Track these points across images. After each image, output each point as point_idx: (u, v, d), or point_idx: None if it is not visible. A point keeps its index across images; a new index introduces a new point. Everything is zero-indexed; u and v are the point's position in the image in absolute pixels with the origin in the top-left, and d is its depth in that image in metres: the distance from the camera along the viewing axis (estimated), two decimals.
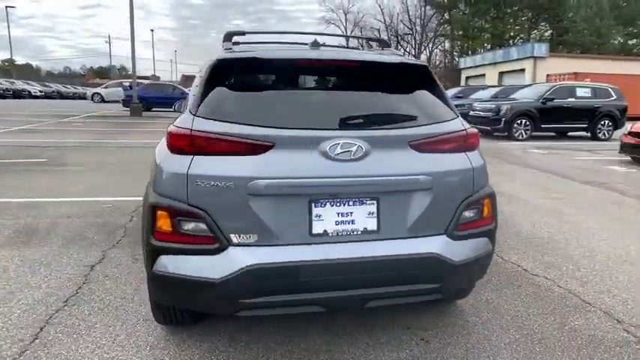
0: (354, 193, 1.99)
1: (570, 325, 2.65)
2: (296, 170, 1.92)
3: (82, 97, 39.54)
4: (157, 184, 2.01)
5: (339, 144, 1.95)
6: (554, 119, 13.15)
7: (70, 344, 2.36)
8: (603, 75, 21.41)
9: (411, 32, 54.40)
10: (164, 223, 1.94)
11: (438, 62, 54.95)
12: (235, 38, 2.63)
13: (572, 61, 28.96)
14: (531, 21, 49.69)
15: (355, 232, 2.01)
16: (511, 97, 14.50)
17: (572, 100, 13.26)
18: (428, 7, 52.91)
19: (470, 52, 48.61)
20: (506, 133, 12.93)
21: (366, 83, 2.27)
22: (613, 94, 13.61)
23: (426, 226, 2.09)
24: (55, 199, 5.25)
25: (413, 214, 2.07)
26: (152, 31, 60.06)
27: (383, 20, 55.34)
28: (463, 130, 2.23)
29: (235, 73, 2.17)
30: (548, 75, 26.49)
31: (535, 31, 49.66)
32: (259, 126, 1.94)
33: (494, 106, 13.48)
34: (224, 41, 2.67)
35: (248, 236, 1.92)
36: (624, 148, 9.04)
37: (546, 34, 48.66)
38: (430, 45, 55.45)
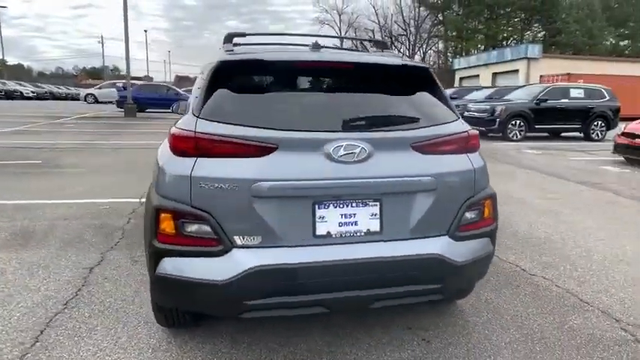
0: (358, 194, 2.01)
1: (569, 324, 2.68)
2: (300, 172, 1.93)
3: (75, 97, 39.24)
4: (159, 186, 2.00)
5: (342, 146, 1.96)
6: (548, 120, 13.26)
7: (72, 347, 2.35)
8: (596, 76, 21.62)
9: (405, 33, 54.63)
10: (167, 225, 1.93)
11: (432, 63, 55.14)
12: (235, 40, 2.64)
13: (565, 62, 29.21)
14: (524, 22, 50.08)
15: (358, 234, 2.02)
16: (505, 98, 14.59)
17: (566, 101, 13.38)
18: (422, 8, 53.16)
19: (464, 53, 48.89)
20: (500, 134, 13.02)
21: (369, 85, 2.28)
22: (606, 94, 13.75)
23: (428, 228, 2.11)
24: (51, 201, 5.21)
25: (415, 216, 2.08)
26: (146, 31, 60.00)
27: (377, 21, 55.55)
28: (465, 131, 2.25)
29: (238, 75, 2.17)
30: (541, 76, 26.69)
31: (528, 33, 50.06)
32: (263, 128, 1.94)
33: (488, 107, 13.57)
34: (224, 42, 2.68)
35: (252, 238, 1.92)
36: (618, 148, 9.13)
37: (539, 35, 49.05)
38: (424, 46, 55.73)
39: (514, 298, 3.02)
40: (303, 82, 2.28)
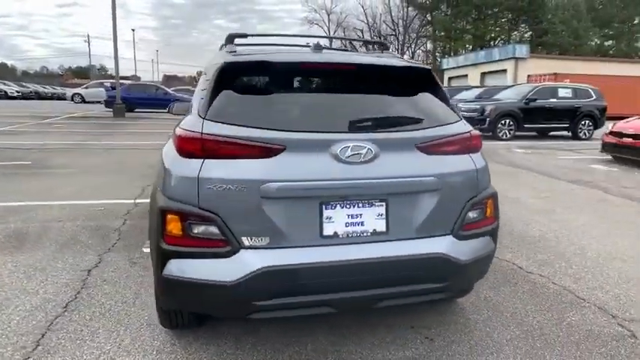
0: (364, 195, 2.02)
1: (567, 320, 2.74)
2: (307, 173, 1.94)
3: (62, 97, 38.64)
4: (166, 188, 2.00)
5: (349, 147, 1.98)
6: (536, 119, 13.45)
7: (74, 350, 2.33)
8: (582, 75, 21.97)
9: (393, 33, 54.87)
10: (174, 226, 1.93)
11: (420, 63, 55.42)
12: (236, 40, 2.64)
13: (552, 62, 29.64)
14: (511, 23, 50.66)
15: (365, 234, 2.04)
16: (495, 97, 14.77)
17: (554, 100, 13.59)
18: (410, 8, 53.42)
19: (452, 53, 49.31)
20: (490, 133, 13.16)
21: (373, 86, 2.30)
22: (593, 94, 13.99)
23: (432, 227, 2.13)
24: (43, 203, 5.14)
25: (420, 215, 2.10)
26: (133, 30, 59.24)
27: (366, 21, 55.70)
28: (467, 132, 2.28)
29: (244, 76, 2.18)
30: (529, 75, 27.05)
31: (515, 33, 50.66)
32: (270, 129, 1.95)
33: (478, 106, 13.71)
34: (226, 43, 2.68)
35: (260, 239, 1.93)
36: (606, 147, 9.30)
37: (526, 35, 49.69)
38: (413, 46, 56.01)
39: (512, 295, 3.06)
40: (309, 83, 2.30)
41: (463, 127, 2.30)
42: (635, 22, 49.74)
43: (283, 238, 1.94)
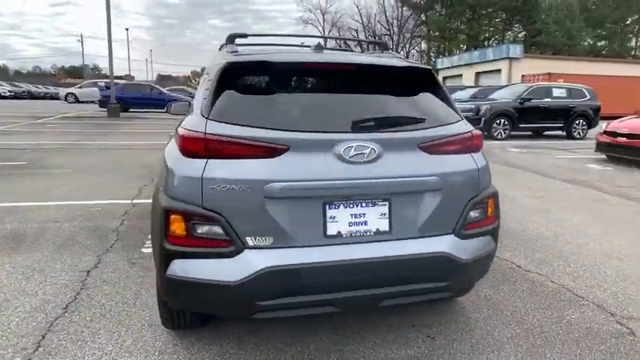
0: (367, 194, 2.03)
1: (567, 318, 2.76)
2: (311, 173, 1.94)
3: (55, 97, 38.32)
4: (169, 188, 1.99)
5: (352, 146, 1.98)
6: (531, 119, 13.54)
7: (76, 351, 2.31)
8: (575, 75, 22.14)
9: (388, 33, 54.90)
10: (177, 227, 1.92)
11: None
12: (237, 40, 2.64)
13: (546, 62, 29.82)
14: (505, 23, 50.93)
15: (368, 233, 2.04)
16: (490, 97, 14.85)
17: (549, 100, 13.69)
18: (405, 8, 53.49)
19: (446, 53, 49.48)
20: (485, 133, 13.20)
21: (375, 86, 2.30)
22: (587, 94, 14.10)
23: (435, 226, 2.14)
24: (40, 203, 5.10)
25: (423, 215, 2.11)
26: (127, 30, 58.89)
27: (360, 21, 55.67)
28: (468, 131, 2.30)
29: (247, 76, 2.17)
30: (523, 75, 27.20)
31: (509, 33, 50.93)
32: (274, 129, 1.95)
33: (473, 106, 13.77)
34: (227, 43, 2.68)
35: (264, 239, 1.93)
36: (600, 146, 9.38)
37: (520, 35, 49.96)
38: (407, 46, 56.08)
39: (512, 294, 3.08)
40: (312, 83, 2.30)
41: (464, 126, 2.31)
42: (628, 22, 50.25)
43: (287, 237, 1.94)
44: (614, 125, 9.21)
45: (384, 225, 2.06)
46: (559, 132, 14.26)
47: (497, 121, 13.19)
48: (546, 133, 14.60)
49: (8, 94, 36.39)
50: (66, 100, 31.67)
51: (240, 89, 2.11)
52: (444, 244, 2.13)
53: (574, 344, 2.48)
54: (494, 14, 50.22)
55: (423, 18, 53.90)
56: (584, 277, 3.40)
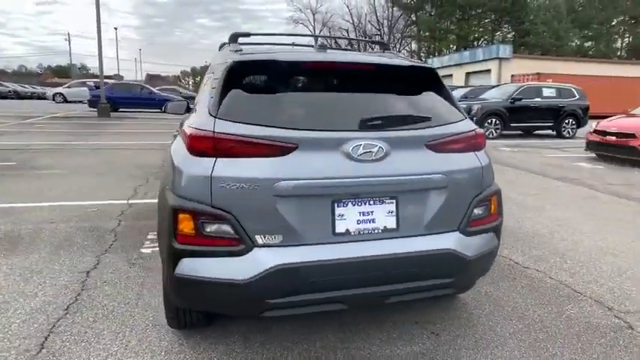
0: (375, 192, 2.05)
1: (567, 313, 2.81)
2: (320, 171, 1.95)
3: (42, 97, 37.74)
4: (176, 187, 1.98)
5: (361, 145, 2.00)
6: (522, 118, 13.70)
7: (80, 352, 2.29)
8: (564, 75, 22.46)
9: (378, 33, 55.12)
10: (186, 225, 1.92)
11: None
12: (239, 39, 2.64)
13: (535, 62, 30.20)
14: (494, 23, 51.47)
15: (376, 231, 2.06)
16: (481, 97, 14.99)
17: (539, 99, 13.86)
18: (395, 9, 53.79)
19: (437, 53, 49.84)
20: None
21: (381, 85, 2.32)
22: (576, 93, 14.31)
23: (441, 223, 2.17)
24: (33, 204, 5.03)
25: (429, 212, 2.14)
26: (116, 29, 58.05)
27: (351, 21, 55.85)
28: (472, 130, 2.32)
29: (254, 75, 2.18)
30: (512, 75, 27.53)
31: (498, 33, 51.49)
32: (283, 128, 1.95)
33: (465, 105, 13.87)
34: (230, 42, 2.68)
35: (273, 237, 1.93)
36: (590, 145, 9.53)
37: (509, 36, 50.53)
38: (398, 46, 56.34)
39: (512, 290, 3.13)
40: (318, 82, 2.30)
41: (468, 125, 2.34)
42: (613, 23, 51.12)
43: (296, 235, 1.95)
44: (604, 124, 9.36)
45: (391, 222, 2.08)
46: (549, 131, 14.45)
47: (489, 121, 13.32)
48: (536, 132, 14.78)
49: None
50: (54, 99, 31.21)
51: (247, 88, 2.11)
52: (449, 241, 2.16)
53: (575, 338, 2.53)
54: (483, 15, 50.73)
55: (414, 18, 54.24)
56: (581, 273, 3.46)
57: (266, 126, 1.96)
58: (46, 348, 2.33)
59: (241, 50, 2.38)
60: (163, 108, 4.27)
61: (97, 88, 21.00)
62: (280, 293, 1.95)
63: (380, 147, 2.02)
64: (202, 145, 1.95)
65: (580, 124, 14.11)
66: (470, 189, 2.25)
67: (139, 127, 14.95)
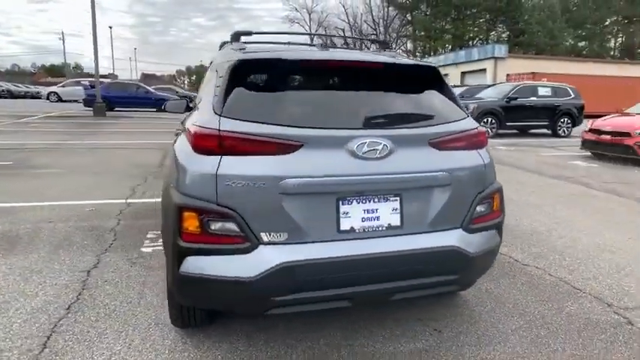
0: (380, 190, 2.05)
1: (567, 310, 2.83)
2: (325, 169, 1.96)
3: (36, 96, 37.50)
4: (181, 185, 1.98)
5: (366, 142, 2.00)
6: (517, 117, 13.77)
7: (84, 352, 2.29)
8: (559, 75, 22.57)
9: (374, 32, 55.16)
10: (191, 223, 1.92)
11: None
12: (242, 38, 2.64)
13: (530, 61, 30.35)
14: (489, 23, 51.66)
15: (380, 228, 2.07)
16: (477, 96, 15.04)
17: (535, 99, 13.94)
18: (390, 8, 53.84)
19: (432, 53, 49.96)
20: None
21: (386, 83, 2.33)
22: (571, 93, 14.40)
23: (444, 221, 2.18)
24: (31, 204, 5.00)
25: (433, 210, 2.15)
26: (111, 28, 57.81)
27: (347, 20, 55.80)
28: (475, 128, 2.34)
29: (258, 73, 2.18)
30: (507, 75, 27.63)
31: (493, 33, 51.69)
32: (288, 126, 1.96)
33: None
34: (232, 41, 2.68)
35: (278, 234, 1.94)
36: (585, 144, 9.60)
37: (503, 35, 50.74)
38: (394, 45, 56.42)
39: (512, 287, 3.15)
40: (323, 80, 2.31)
41: (471, 123, 2.35)
42: (607, 23, 51.46)
43: (301, 233, 1.96)
44: (599, 123, 9.43)
45: (395, 220, 2.09)
46: (544, 130, 14.53)
47: (485, 120, 13.37)
48: (532, 131, 14.86)
49: None
50: (48, 99, 31.00)
51: (251, 86, 2.11)
52: (453, 238, 2.17)
53: (576, 334, 2.55)
54: (478, 14, 50.89)
55: (409, 18, 54.32)
56: (580, 270, 3.49)
57: (272, 124, 1.96)
58: (48, 347, 2.32)
59: (245, 49, 2.38)
60: (163, 107, 4.26)
61: (92, 87, 20.87)
62: (286, 291, 1.96)
63: (384, 145, 2.03)
64: (207, 143, 1.95)
65: (575, 123, 14.21)
66: (473, 186, 2.26)
67: (135, 127, 14.88)
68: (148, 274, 3.23)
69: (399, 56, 2.72)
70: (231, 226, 1.91)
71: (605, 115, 10.09)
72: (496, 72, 29.89)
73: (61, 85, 33.10)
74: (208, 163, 1.91)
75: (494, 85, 18.36)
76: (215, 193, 1.89)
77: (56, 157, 8.24)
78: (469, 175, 2.24)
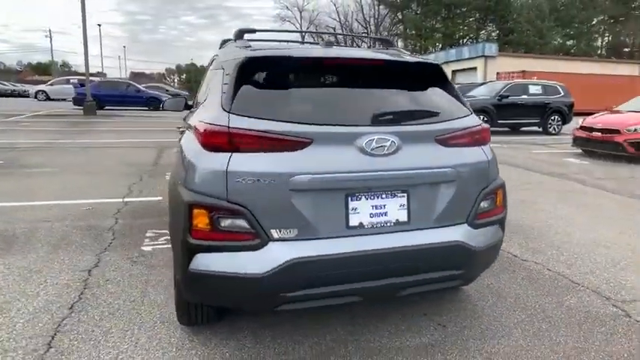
0: (388, 186, 2.07)
1: (567, 303, 2.88)
2: (334, 165, 1.97)
3: (23, 94, 36.91)
4: (190, 182, 1.98)
5: (374, 139, 2.02)
6: (509, 115, 13.90)
7: (90, 351, 2.27)
8: (548, 73, 22.83)
9: (365, 31, 55.27)
10: (201, 220, 1.92)
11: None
12: (245, 35, 2.64)
13: (519, 60, 30.64)
14: (479, 22, 52.09)
15: (388, 224, 2.09)
16: (469, 94, 15.13)
17: (525, 97, 14.09)
18: (381, 7, 54.03)
19: (423, 52, 50.18)
20: None
21: (392, 81, 2.35)
22: (561, 91, 14.59)
23: (450, 216, 2.21)
24: (26, 203, 4.94)
25: (439, 205, 2.18)
26: (99, 25, 56.90)
27: (338, 19, 55.89)
28: (478, 125, 2.37)
29: (266, 71, 2.18)
30: (498, 73, 27.87)
31: (483, 32, 52.11)
32: (298, 123, 1.97)
33: None
34: (236, 39, 2.68)
35: (288, 231, 1.95)
36: (577, 141, 9.74)
37: (493, 34, 51.18)
38: None
39: (512, 282, 3.20)
40: (330, 78, 2.32)
41: (475, 120, 2.39)
42: (594, 22, 52.18)
43: (311, 229, 1.97)
44: (589, 121, 9.57)
45: (403, 215, 2.11)
46: (535, 128, 14.70)
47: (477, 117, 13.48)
48: (523, 128, 15.03)
49: None
50: (36, 97, 30.52)
51: (260, 83, 2.12)
52: (458, 234, 2.20)
53: (576, 327, 2.60)
54: (468, 13, 51.28)
55: (400, 16, 54.53)
56: (578, 264, 3.55)
57: (281, 121, 1.97)
58: (53, 347, 2.30)
59: (250, 46, 2.39)
60: (162, 105, 4.24)
61: (82, 85, 20.61)
62: (296, 287, 1.97)
63: (392, 141, 2.05)
64: (217, 140, 1.95)
65: (565, 120, 14.40)
66: (477, 182, 2.29)
67: (127, 125, 14.75)
68: (150, 272, 3.22)
69: (404, 54, 2.74)
70: (242, 222, 1.91)
71: (593, 113, 10.24)
72: (486, 70, 30.13)
73: (49, 83, 32.61)
74: (218, 161, 1.92)
75: (485, 83, 18.51)
76: (225, 190, 1.90)
77: (48, 157, 8.14)
78: (474, 172, 2.27)
